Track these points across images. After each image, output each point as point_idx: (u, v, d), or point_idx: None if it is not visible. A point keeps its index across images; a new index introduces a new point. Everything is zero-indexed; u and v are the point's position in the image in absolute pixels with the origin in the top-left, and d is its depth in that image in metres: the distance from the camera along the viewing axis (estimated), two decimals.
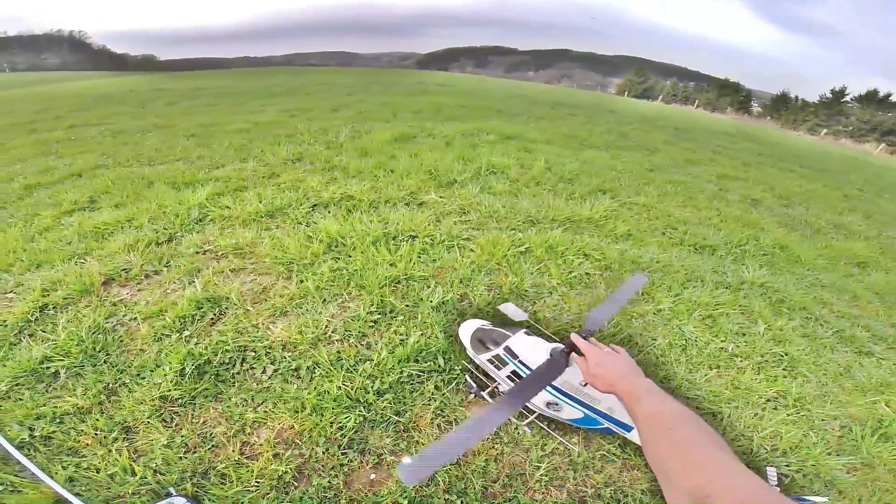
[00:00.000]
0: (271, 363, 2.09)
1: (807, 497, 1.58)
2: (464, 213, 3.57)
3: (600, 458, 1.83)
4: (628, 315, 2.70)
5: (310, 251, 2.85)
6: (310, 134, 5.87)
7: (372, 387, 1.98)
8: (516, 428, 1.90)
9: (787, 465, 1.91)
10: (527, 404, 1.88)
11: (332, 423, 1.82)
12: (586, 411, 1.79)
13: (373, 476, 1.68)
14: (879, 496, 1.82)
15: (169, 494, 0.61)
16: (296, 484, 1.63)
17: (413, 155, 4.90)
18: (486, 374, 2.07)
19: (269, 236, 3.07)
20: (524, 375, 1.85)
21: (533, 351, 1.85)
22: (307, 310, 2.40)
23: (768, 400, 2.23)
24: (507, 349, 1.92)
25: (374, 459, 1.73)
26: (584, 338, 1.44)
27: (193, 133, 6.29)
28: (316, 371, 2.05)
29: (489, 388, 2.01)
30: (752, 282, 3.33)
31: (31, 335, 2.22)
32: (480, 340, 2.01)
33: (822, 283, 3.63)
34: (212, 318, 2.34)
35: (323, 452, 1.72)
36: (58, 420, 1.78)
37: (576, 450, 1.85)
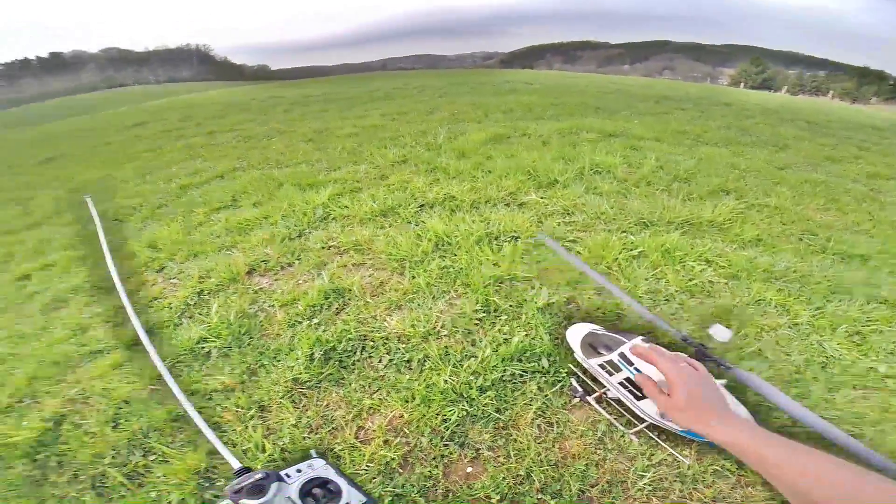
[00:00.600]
0: (387, 353, 2.25)
1: None
2: (568, 213, 3.48)
3: (712, 473, 1.68)
4: (758, 327, 2.41)
5: (420, 249, 3.01)
6: (411, 136, 6.19)
7: (475, 383, 2.03)
8: (622, 436, 1.81)
9: None
10: (637, 413, 1.78)
11: (437, 414, 1.90)
12: None
13: (469, 469, 1.72)
14: None
15: (309, 456, 0.71)
16: (400, 471, 1.71)
17: (509, 155, 4.90)
18: (595, 380, 2.00)
19: (383, 234, 3.32)
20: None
21: None
22: (419, 304, 2.55)
23: None
24: (622, 355, 1.83)
25: (472, 453, 1.77)
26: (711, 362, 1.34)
27: (310, 138, 7.02)
28: (426, 364, 2.16)
29: (596, 394, 1.94)
30: None
31: (190, 317, 2.67)
32: (591, 345, 1.94)
33: None
34: (337, 308, 2.59)
35: (427, 443, 1.80)
36: (207, 396, 2.07)
37: (686, 462, 1.72)
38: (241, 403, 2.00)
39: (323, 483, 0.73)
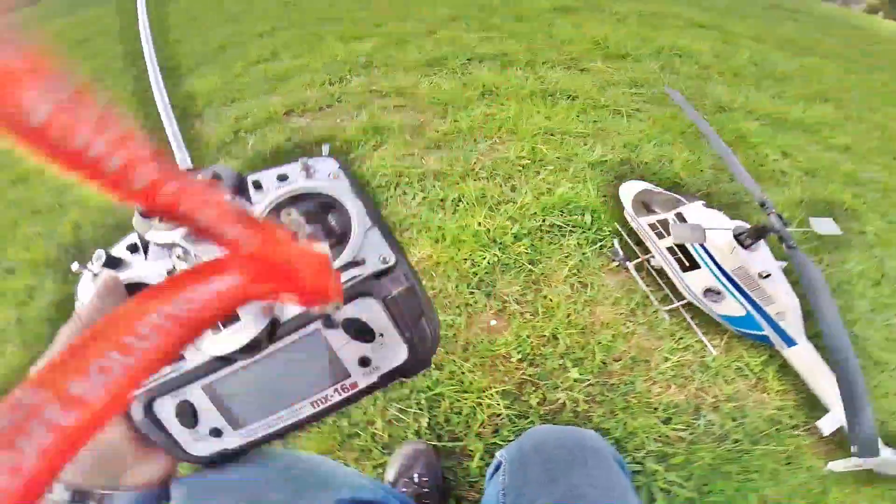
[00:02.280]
0: (421, 190, 2.15)
1: None
2: (637, 85, 3.07)
3: (735, 370, 1.59)
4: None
5: (464, 95, 2.79)
6: None
7: (511, 229, 1.92)
8: (655, 312, 1.70)
9: None
10: (680, 286, 1.67)
11: (466, 259, 1.80)
12: (752, 310, 1.51)
13: (493, 322, 1.65)
14: None
15: (317, 154, 0.48)
16: None
17: (576, 25, 4.30)
18: (640, 243, 1.86)
19: (427, 82, 3.08)
20: (691, 251, 1.60)
21: (711, 223, 1.56)
22: (459, 146, 2.40)
23: None
24: (679, 216, 1.67)
25: (498, 305, 1.69)
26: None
27: None
28: (460, 204, 2.05)
29: (638, 259, 1.81)
30: None
31: (227, 153, 2.64)
32: (644, 203, 1.78)
33: None
34: (374, 145, 2.48)
35: (453, 288, 1.71)
36: None
37: (714, 353, 1.61)
38: None
39: (324, 205, 0.35)
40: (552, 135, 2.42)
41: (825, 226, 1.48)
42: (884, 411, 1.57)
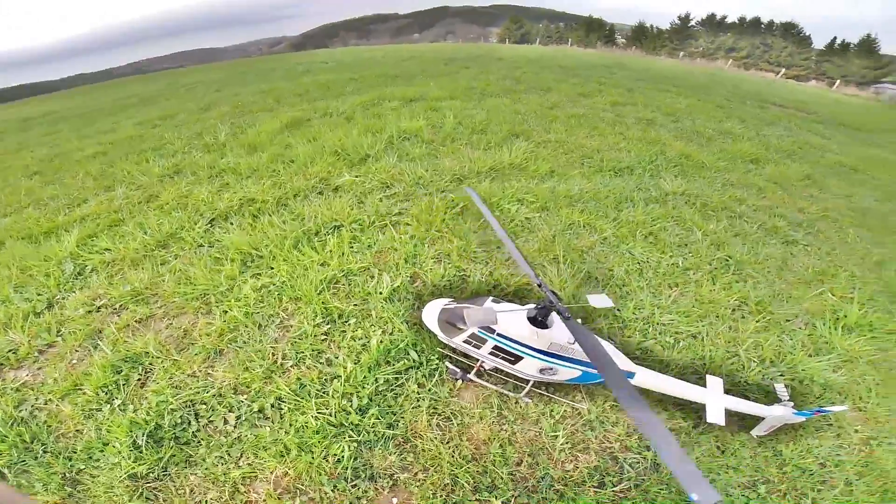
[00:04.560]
0: (229, 411, 1.78)
1: (826, 408, 1.66)
2: (387, 186, 3.28)
3: (612, 409, 1.81)
4: (578, 250, 2.68)
5: (223, 275, 2.41)
6: (182, 141, 5.01)
7: (351, 406, 1.75)
8: (516, 402, 1.81)
9: (781, 375, 1.99)
10: (519, 375, 1.79)
11: (325, 457, 1.61)
12: (584, 368, 1.74)
13: (395, 500, 1.53)
14: (875, 390, 1.97)
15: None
16: None
17: (312, 139, 4.40)
18: (467, 355, 1.93)
19: (168, 270, 2.55)
20: (507, 348, 1.73)
21: (510, 320, 1.72)
22: (244, 342, 2.05)
23: (733, 310, 2.35)
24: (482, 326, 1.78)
25: (388, 483, 1.56)
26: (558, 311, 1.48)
27: (36, 170, 5.07)
28: (283, 406, 1.77)
29: (475, 369, 1.87)
30: (674, 192, 3.55)
31: None
32: (449, 322, 1.84)
33: (730, 183, 3.98)
34: (139, 380, 1.94)
35: (332, 490, 1.53)
36: None
37: (584, 407, 1.80)
38: None
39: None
40: (337, 283, 2.32)
41: (599, 301, 1.78)
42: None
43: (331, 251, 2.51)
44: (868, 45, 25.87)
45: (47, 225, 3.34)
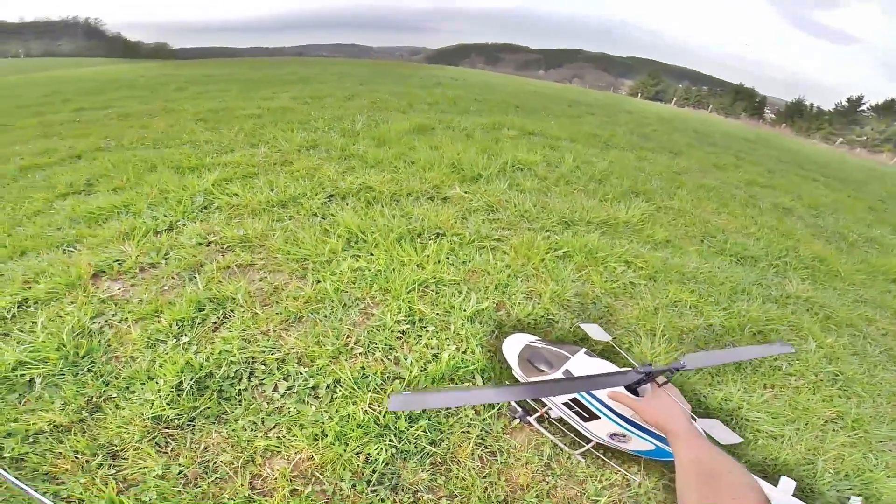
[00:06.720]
0: (284, 379, 1.81)
1: None
2: (492, 210, 3.28)
3: (663, 489, 1.61)
4: (679, 329, 2.43)
5: (327, 247, 2.56)
6: (324, 121, 5.58)
7: (403, 411, 1.70)
8: (569, 457, 1.67)
9: (851, 489, 1.77)
10: (585, 434, 1.65)
11: (357, 453, 1.56)
12: (659, 443, 1.57)
13: None
14: None
15: None
16: None
17: (434, 147, 4.61)
18: (536, 398, 1.80)
19: (281, 228, 2.79)
20: (587, 404, 1.59)
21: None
22: (325, 316, 2.12)
23: (827, 421, 2.08)
24: (567, 373, 1.65)
25: (408, 498, 1.47)
26: (667, 373, 1.31)
27: (202, 117, 6.02)
28: (337, 391, 1.77)
29: (538, 413, 1.75)
30: (797, 296, 3.10)
31: (5, 334, 1.93)
32: (530, 361, 1.74)
33: (863, 300, 3.39)
34: (215, 323, 2.05)
35: (349, 489, 1.47)
36: (31, 439, 1.52)
37: (637, 480, 1.63)
38: (82, 448, 1.49)
39: None
40: (427, 287, 2.34)
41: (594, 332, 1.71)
42: None
43: (428, 256, 2.55)
44: None
45: (195, 162, 3.89)
